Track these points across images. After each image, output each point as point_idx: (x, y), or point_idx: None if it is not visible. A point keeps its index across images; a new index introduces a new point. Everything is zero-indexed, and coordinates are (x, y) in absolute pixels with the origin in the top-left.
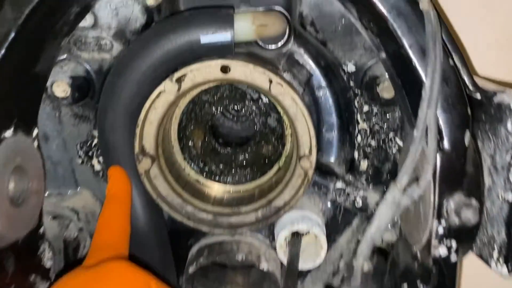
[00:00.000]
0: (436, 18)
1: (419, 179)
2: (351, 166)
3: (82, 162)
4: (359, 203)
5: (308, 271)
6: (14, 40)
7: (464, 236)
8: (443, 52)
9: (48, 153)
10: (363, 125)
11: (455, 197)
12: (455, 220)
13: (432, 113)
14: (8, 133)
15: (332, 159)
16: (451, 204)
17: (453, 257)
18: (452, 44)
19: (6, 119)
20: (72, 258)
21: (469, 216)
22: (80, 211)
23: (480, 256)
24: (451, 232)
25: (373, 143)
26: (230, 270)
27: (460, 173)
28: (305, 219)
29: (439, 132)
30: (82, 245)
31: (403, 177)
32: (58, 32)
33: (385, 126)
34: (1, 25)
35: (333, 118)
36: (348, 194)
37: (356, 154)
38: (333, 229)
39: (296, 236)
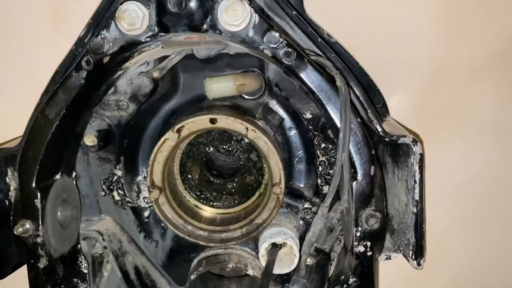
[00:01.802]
0: (346, 91)
1: (340, 200)
2: (316, 191)
3: (105, 194)
4: None
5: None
6: (64, 115)
7: (374, 238)
8: (352, 113)
9: (78, 189)
10: (322, 158)
11: (366, 210)
12: (366, 227)
13: (346, 154)
14: (58, 176)
15: (302, 185)
16: (363, 216)
17: (369, 253)
18: (368, 103)
19: (56, 166)
20: (98, 271)
21: (373, 223)
22: (104, 233)
23: (404, 255)
24: (366, 235)
25: (331, 171)
26: (226, 280)
27: (369, 195)
28: (281, 233)
29: (353, 167)
30: (105, 260)
31: (328, 199)
32: (92, 104)
33: None
34: (56, 105)
35: (302, 153)
36: (314, 213)
37: (319, 181)
38: None
39: (274, 247)
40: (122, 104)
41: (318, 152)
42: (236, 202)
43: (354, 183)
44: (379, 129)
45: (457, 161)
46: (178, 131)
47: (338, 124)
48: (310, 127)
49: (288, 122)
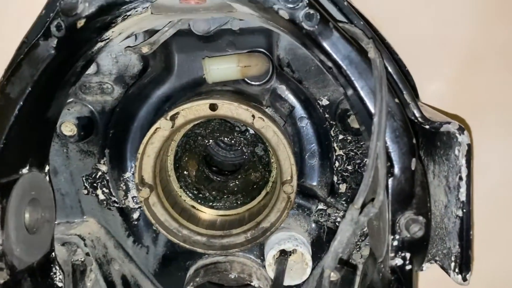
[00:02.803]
0: (381, 64)
1: (374, 200)
2: (332, 189)
3: (88, 192)
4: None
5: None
6: (30, 94)
7: (415, 248)
8: (389, 92)
9: (57, 186)
10: (339, 152)
11: (406, 214)
12: (406, 234)
13: (381, 144)
14: (25, 170)
15: (315, 183)
16: (402, 221)
17: (408, 266)
18: (403, 83)
19: (23, 158)
20: (80, 281)
21: (416, 230)
22: (86, 237)
23: (442, 267)
24: (404, 245)
25: (349, 167)
26: None
27: (409, 194)
28: (291, 239)
29: (389, 159)
30: (89, 268)
31: (359, 199)
32: (66, 83)
33: (359, 152)
34: (19, 82)
35: (314, 146)
36: (329, 215)
37: (335, 178)
38: (318, 248)
39: (283, 255)
40: (107, 87)
41: (335, 145)
42: (239, 202)
43: (390, 179)
44: (417, 114)
45: (497, 156)
46: (172, 118)
47: (370, 107)
48: (326, 115)
49: (299, 111)
